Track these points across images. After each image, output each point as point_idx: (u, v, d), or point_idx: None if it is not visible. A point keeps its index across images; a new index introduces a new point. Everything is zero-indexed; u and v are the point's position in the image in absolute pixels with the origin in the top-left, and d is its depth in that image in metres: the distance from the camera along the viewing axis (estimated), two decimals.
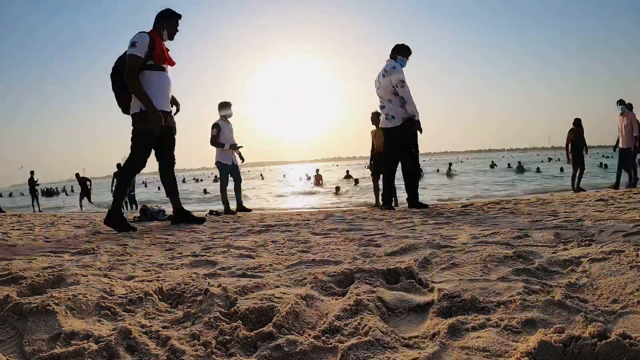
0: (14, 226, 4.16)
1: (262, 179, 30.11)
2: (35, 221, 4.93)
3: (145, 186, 33.15)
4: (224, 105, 6.02)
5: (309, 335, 0.91)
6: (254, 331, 0.92)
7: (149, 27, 3.53)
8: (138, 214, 4.91)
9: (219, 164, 5.97)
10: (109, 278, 1.40)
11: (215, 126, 5.85)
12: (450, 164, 26.12)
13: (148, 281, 1.38)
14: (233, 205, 6.11)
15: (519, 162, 25.33)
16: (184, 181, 36.60)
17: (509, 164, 29.22)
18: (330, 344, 0.86)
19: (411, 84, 4.35)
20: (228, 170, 6.00)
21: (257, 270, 1.53)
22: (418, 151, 4.54)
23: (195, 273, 1.49)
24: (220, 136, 5.85)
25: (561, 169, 18.91)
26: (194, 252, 2.05)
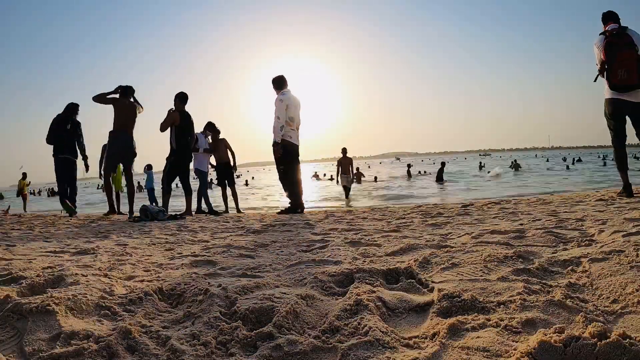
0: (14, 226, 4.16)
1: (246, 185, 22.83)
2: (35, 221, 4.93)
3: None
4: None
5: (309, 335, 0.91)
6: (254, 331, 0.92)
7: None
8: (138, 214, 4.90)
9: (197, 171, 6.79)
10: (109, 278, 1.40)
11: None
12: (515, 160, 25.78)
13: (148, 281, 1.38)
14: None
15: (515, 160, 25.48)
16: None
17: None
18: (330, 344, 0.86)
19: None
20: (205, 176, 6.86)
21: (257, 270, 1.52)
22: None
23: (195, 273, 1.48)
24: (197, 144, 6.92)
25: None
26: (194, 252, 2.05)
